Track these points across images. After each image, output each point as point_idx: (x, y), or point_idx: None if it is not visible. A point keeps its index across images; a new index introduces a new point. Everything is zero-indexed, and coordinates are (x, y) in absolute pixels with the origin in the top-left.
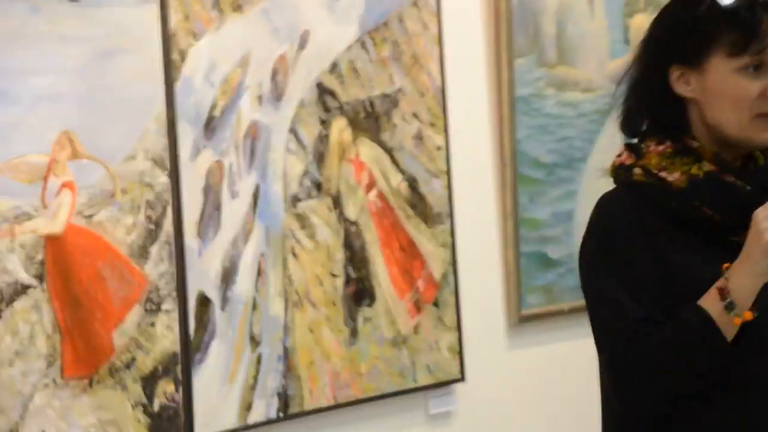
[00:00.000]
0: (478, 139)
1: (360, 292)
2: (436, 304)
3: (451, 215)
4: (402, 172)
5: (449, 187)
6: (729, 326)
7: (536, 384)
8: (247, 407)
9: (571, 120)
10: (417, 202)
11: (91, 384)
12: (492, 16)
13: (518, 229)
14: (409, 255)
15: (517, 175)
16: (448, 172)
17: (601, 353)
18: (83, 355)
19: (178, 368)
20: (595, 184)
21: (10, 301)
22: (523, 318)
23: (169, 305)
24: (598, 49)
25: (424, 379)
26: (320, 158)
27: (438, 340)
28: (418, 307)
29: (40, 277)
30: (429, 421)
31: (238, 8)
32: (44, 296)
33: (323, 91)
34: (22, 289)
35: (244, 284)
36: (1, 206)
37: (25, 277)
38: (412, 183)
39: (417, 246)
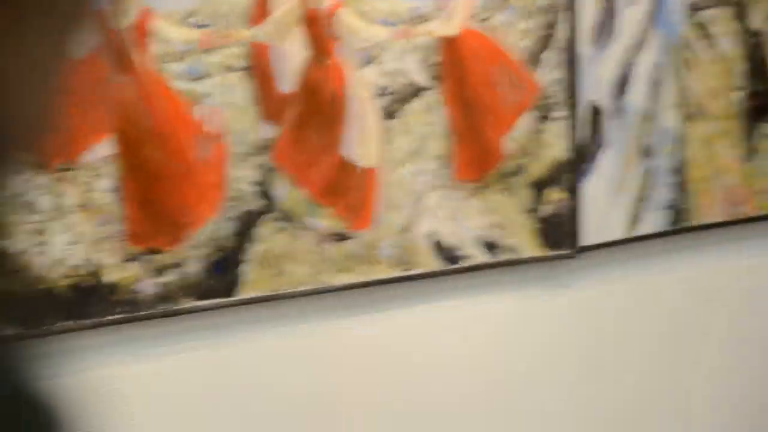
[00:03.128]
0: None
1: (761, 106)
2: None
3: None
4: None
5: None
6: None
7: None
8: (636, 219)
9: None
10: None
11: (480, 187)
12: None
13: None
14: None
15: None
16: None
17: None
18: (474, 158)
19: (567, 177)
20: None
21: (405, 102)
22: None
23: (560, 113)
24: None
25: None
26: None
27: None
28: None
29: (434, 79)
30: None
31: None
32: (438, 98)
33: None
34: (417, 91)
35: (637, 94)
36: (398, 7)
37: (420, 79)
38: None
39: None
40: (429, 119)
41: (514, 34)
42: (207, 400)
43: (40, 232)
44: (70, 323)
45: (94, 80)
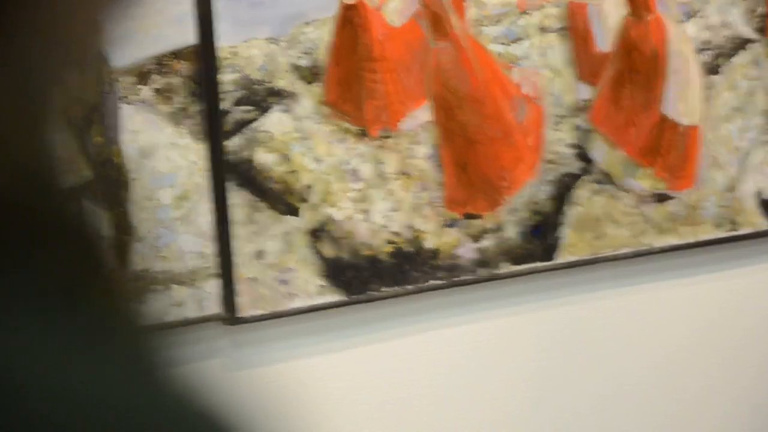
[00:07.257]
0: None
1: None
2: None
3: None
4: None
5: None
6: None
7: None
8: None
9: None
10: None
11: None
12: None
13: None
14: None
15: None
16: None
17: None
18: None
19: None
20: None
21: (730, 56)
22: None
23: None
24: None
25: None
26: None
27: None
28: None
29: (761, 31)
30: None
31: None
32: (764, 51)
33: None
34: (742, 44)
35: None
36: None
37: (745, 31)
38: None
39: None
40: (755, 73)
41: None
42: (517, 362)
43: (363, 200)
44: (395, 289)
45: (412, 47)
